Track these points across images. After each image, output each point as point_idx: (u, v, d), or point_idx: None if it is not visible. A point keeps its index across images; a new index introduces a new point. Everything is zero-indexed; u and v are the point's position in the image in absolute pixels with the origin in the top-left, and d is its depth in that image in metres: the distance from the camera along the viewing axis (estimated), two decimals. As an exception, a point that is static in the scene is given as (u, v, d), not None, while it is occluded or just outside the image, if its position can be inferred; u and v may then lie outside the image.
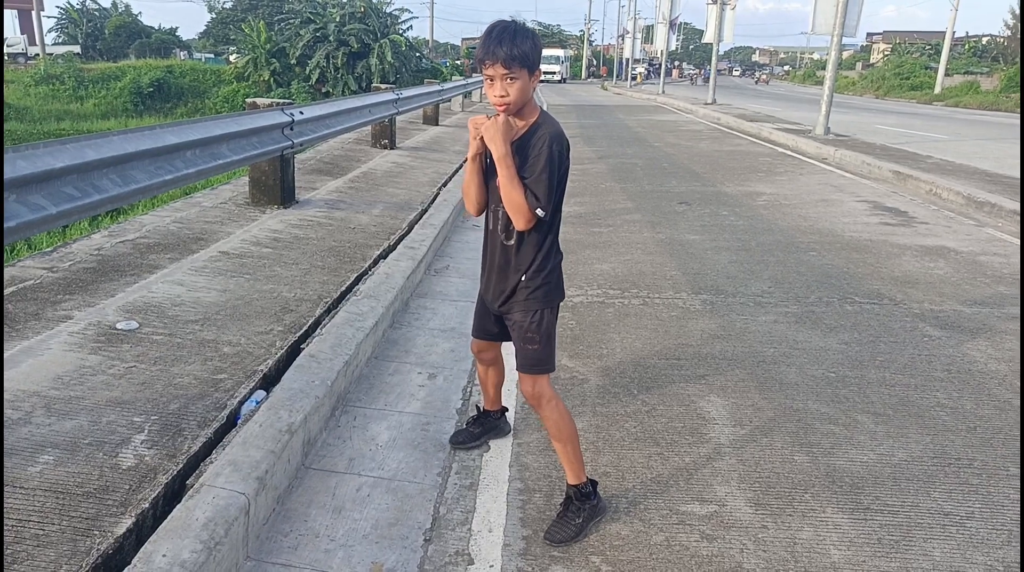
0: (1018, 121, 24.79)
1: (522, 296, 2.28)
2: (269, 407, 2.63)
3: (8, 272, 3.80)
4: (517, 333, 2.33)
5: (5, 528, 1.88)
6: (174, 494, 2.15)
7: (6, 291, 3.50)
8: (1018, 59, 41.59)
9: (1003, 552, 2.30)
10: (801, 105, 28.02)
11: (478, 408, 2.92)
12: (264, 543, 2.24)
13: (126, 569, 1.77)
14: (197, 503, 2.05)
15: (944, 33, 41.85)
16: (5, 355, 2.84)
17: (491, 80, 2.04)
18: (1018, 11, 41.01)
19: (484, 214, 2.32)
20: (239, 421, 2.57)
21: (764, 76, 66.08)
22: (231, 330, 3.30)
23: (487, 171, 2.22)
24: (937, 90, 41.41)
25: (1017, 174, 9.67)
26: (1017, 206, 7.36)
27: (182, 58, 48.71)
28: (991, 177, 9.48)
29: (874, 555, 2.29)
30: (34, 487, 2.06)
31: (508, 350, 2.53)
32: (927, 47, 55.80)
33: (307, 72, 32.53)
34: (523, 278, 2.25)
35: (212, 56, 55.17)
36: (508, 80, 2.03)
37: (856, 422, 3.13)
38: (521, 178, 2.08)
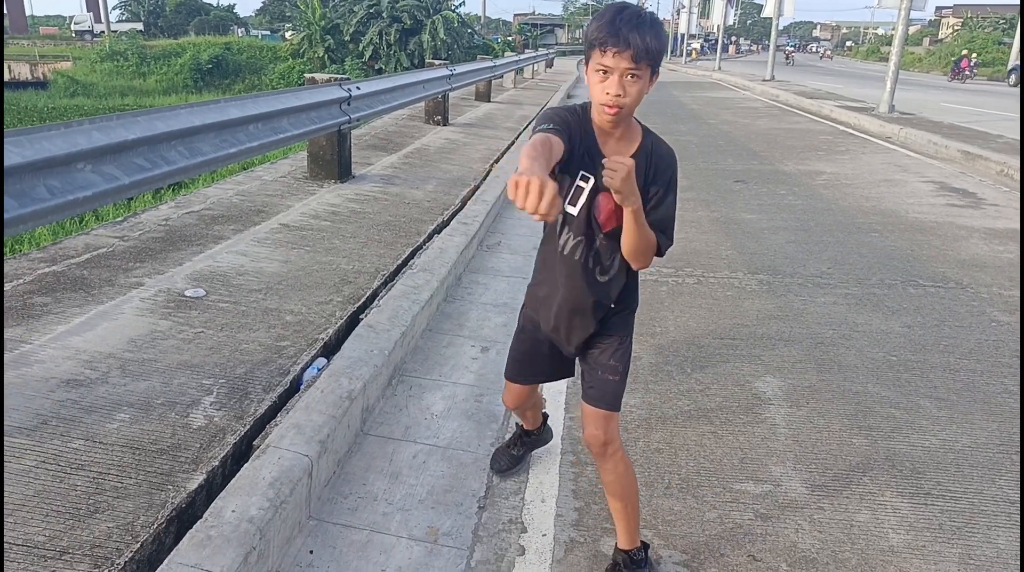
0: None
1: (614, 320, 1.94)
2: (330, 374, 2.70)
3: (82, 240, 3.97)
4: (598, 360, 1.96)
5: (90, 478, 2.00)
6: (241, 454, 2.24)
7: (81, 258, 3.67)
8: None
9: (1072, 542, 2.24)
10: (864, 82, 27.03)
11: (517, 425, 2.58)
12: (325, 504, 2.32)
13: (198, 523, 1.85)
14: (264, 463, 2.13)
15: (1019, 6, 39.69)
16: (81, 319, 2.98)
17: (604, 73, 1.59)
18: None
19: (560, 241, 1.83)
20: (302, 387, 2.65)
21: (828, 52, 63.65)
22: (293, 299, 3.39)
23: (587, 194, 1.75)
24: (1011, 66, 39.44)
25: None
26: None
27: (240, 35, 49.60)
28: (1069, 158, 9.03)
29: (934, 540, 2.25)
30: (112, 442, 2.17)
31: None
32: (1001, 21, 53.03)
33: (360, 49, 32.75)
34: (614, 305, 1.90)
35: (268, 33, 56.03)
36: (631, 77, 1.59)
37: (918, 406, 3.06)
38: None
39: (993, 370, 3.40)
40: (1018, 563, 2.15)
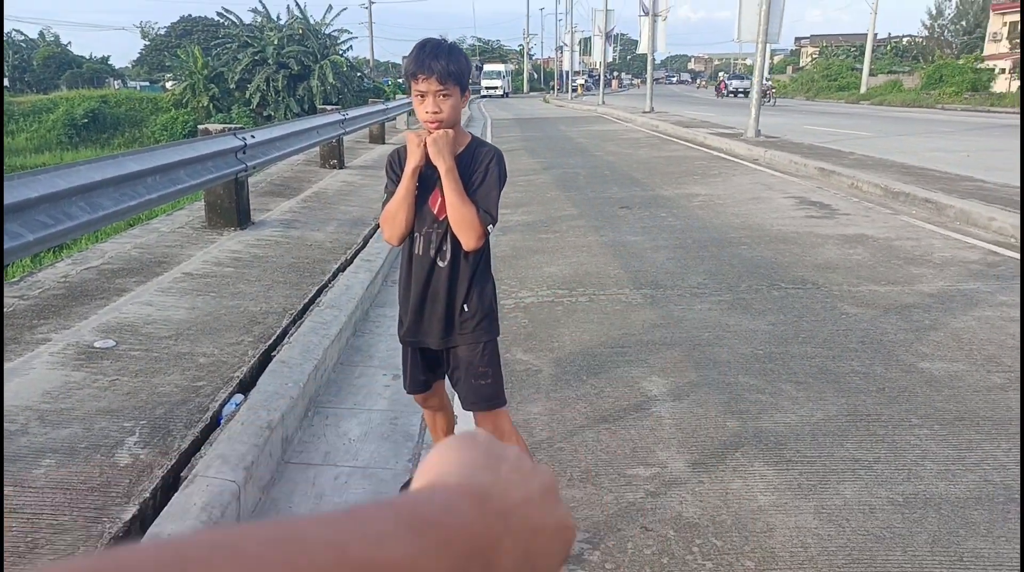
0: (930, 116, 26.24)
1: (468, 328, 2.15)
2: (248, 407, 2.85)
3: (-23, 302, 3.92)
4: (464, 370, 2.18)
5: (24, 519, 2.08)
6: (170, 485, 2.36)
7: (-20, 319, 3.64)
8: (933, 58, 43.86)
9: (903, 487, 2.67)
10: (735, 110, 29.08)
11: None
12: (254, 527, 2.47)
13: (136, 547, 1.98)
14: (193, 491, 2.27)
15: (866, 35, 43.93)
16: (-11, 377, 3.00)
17: (422, 96, 1.96)
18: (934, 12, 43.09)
19: (410, 244, 2.14)
20: (222, 421, 2.78)
21: (703, 82, 68.87)
22: (204, 343, 3.50)
23: (417, 199, 2.09)
24: (863, 90, 43.42)
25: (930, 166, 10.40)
26: (929, 194, 7.97)
27: (116, 87, 47.78)
28: (907, 169, 10.18)
29: (795, 497, 2.63)
30: (41, 485, 2.26)
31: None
32: (852, 49, 58.40)
33: (247, 96, 32.30)
34: (465, 307, 2.13)
35: (147, 84, 54.27)
36: (442, 97, 1.95)
37: (780, 390, 3.50)
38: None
39: (843, 355, 3.92)
40: (862, 511, 2.55)
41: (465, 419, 3.18)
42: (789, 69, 69.59)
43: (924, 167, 10.45)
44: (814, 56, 66.75)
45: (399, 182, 2.08)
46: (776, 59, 75.84)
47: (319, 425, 3.21)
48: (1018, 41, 35.64)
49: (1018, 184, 8.65)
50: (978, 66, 39.12)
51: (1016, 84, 34.85)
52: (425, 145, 2.01)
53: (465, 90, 2.02)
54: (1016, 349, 3.96)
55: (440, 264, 2.11)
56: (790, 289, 5.09)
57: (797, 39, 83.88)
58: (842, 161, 11.02)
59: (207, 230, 5.91)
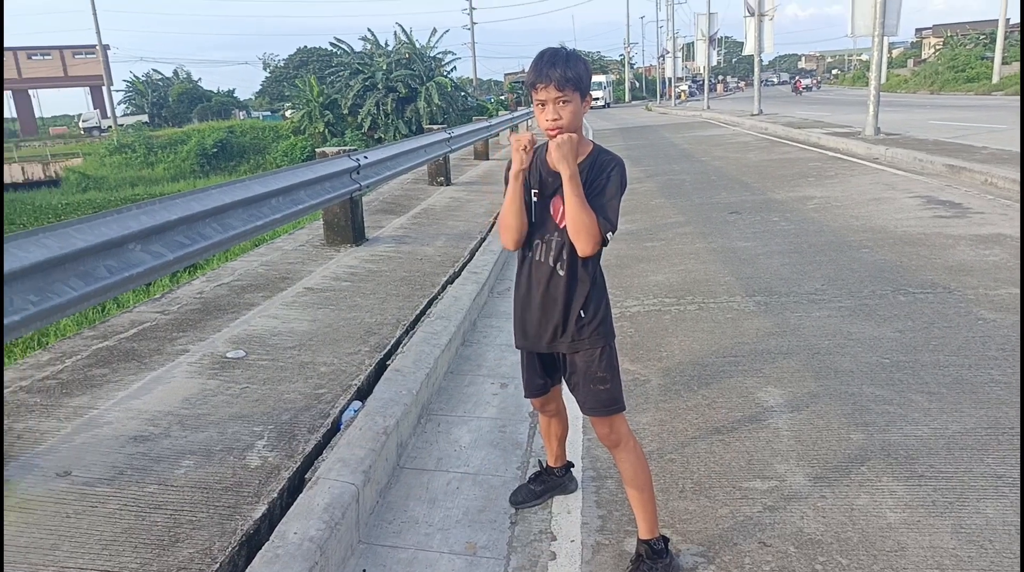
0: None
1: (586, 333, 2.16)
2: (366, 414, 2.98)
3: (126, 317, 4.31)
4: (583, 376, 2.19)
5: (167, 515, 2.26)
6: (295, 487, 2.50)
7: (129, 333, 4.00)
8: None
9: (1055, 507, 2.44)
10: (851, 108, 27.65)
11: (541, 464, 2.75)
12: (372, 529, 2.57)
13: (266, 544, 2.11)
14: (316, 492, 2.39)
15: (997, 21, 40.66)
16: (139, 384, 3.28)
17: (543, 105, 1.99)
18: None
19: (526, 246, 2.17)
20: (342, 427, 2.92)
21: (799, 81, 63.62)
22: (324, 353, 3.69)
23: (531, 203, 2.13)
24: (995, 79, 40.17)
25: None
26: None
27: (241, 118, 51.24)
28: (1051, 162, 9.32)
29: (929, 515, 2.46)
30: (182, 484, 2.45)
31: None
32: (981, 36, 54.16)
33: (359, 120, 33.86)
34: (583, 313, 2.14)
35: (269, 114, 57.86)
36: (561, 103, 1.97)
37: (910, 401, 3.28)
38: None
39: (980, 363, 3.63)
40: (1007, 532, 2.35)
41: (572, 429, 3.18)
42: (910, 62, 65.38)
43: (1071, 159, 9.53)
44: (937, 47, 62.43)
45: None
46: (895, 52, 71.54)
47: (431, 432, 3.29)
48: None
49: None
50: None
51: None
52: (539, 149, 2.06)
53: (585, 96, 2.03)
54: None
55: (560, 272, 2.12)
56: (918, 294, 4.78)
57: (918, 30, 78.83)
58: (973, 156, 10.24)
59: (326, 247, 6.23)
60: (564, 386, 2.41)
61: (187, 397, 3.14)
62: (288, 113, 44.13)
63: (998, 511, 2.45)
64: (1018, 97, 31.48)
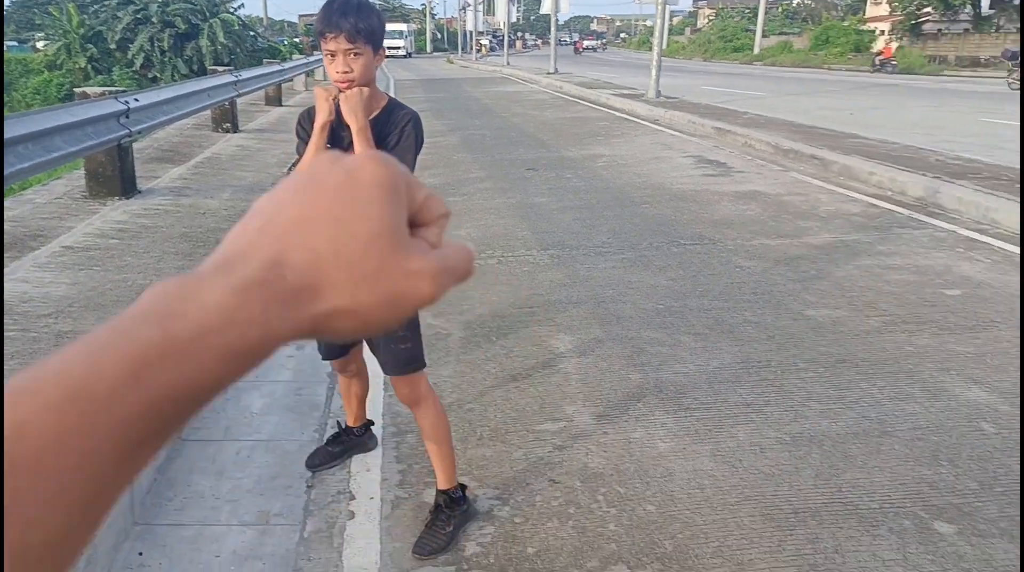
0: (818, 76, 27.51)
1: None
2: (140, 384, 2.72)
3: None
4: (384, 338, 2.16)
5: None
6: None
7: None
8: (821, 20, 45.80)
9: (790, 427, 2.85)
10: (637, 71, 29.49)
11: (340, 425, 2.69)
12: (149, 509, 2.38)
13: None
14: (81, 474, 2.15)
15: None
16: None
17: (332, 56, 1.90)
18: None
19: None
20: (111, 400, 2.64)
21: (580, 42, 69.11)
22: (88, 320, 3.30)
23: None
24: (756, 51, 44.94)
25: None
26: (815, 151, 8.39)
27: (-22, 47, 43.65)
28: (796, 127, 10.65)
29: (693, 442, 2.76)
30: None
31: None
32: (746, 11, 60.16)
33: (130, 57, 30.20)
34: None
35: (16, 44, 49.81)
36: (352, 55, 1.89)
37: (680, 342, 3.64)
38: None
39: (737, 307, 4.10)
40: (753, 452, 2.70)
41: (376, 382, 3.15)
42: (687, 31, 71.11)
43: (812, 125, 10.96)
44: (711, 18, 68.44)
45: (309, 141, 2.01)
46: (675, 20, 77.29)
47: (218, 401, 3.09)
48: (896, 4, 37.70)
49: (894, 140, 9.23)
50: (860, 28, 41.20)
51: (895, 45, 36.93)
52: (337, 102, 1.94)
53: (378, 49, 1.95)
54: (891, 295, 4.25)
55: None
56: (689, 245, 5.27)
57: (695, 0, 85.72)
58: (736, 120, 11.41)
59: (88, 200, 5.53)
60: (364, 346, 2.37)
61: (-90, 377, 2.67)
62: (40, 45, 38.25)
63: (747, 434, 2.81)
64: (774, 68, 35.48)
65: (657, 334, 3.73)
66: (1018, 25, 31.55)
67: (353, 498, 2.49)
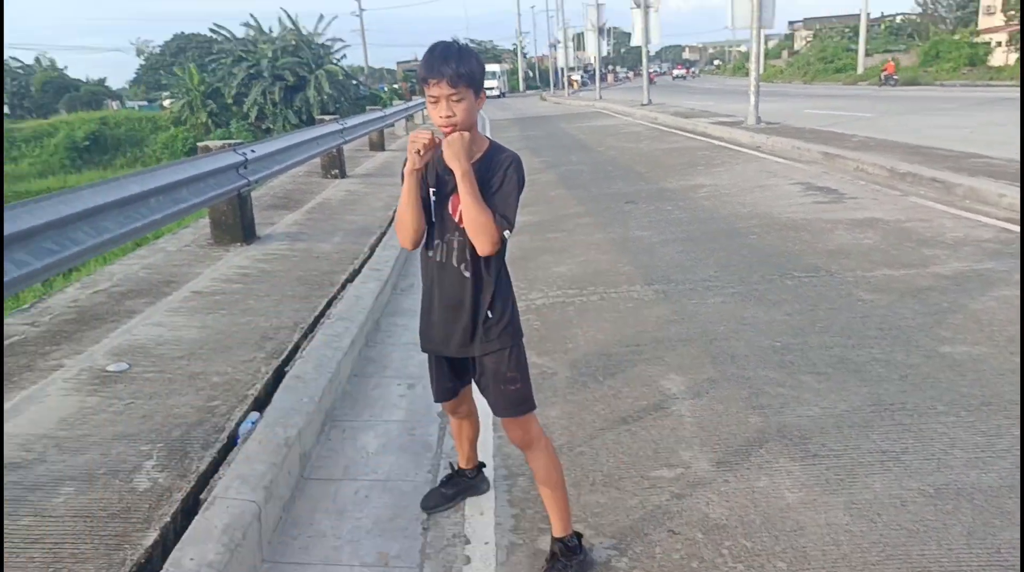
0: (929, 93, 26.08)
1: (493, 334, 2.12)
2: (265, 425, 2.82)
3: (-12, 331, 3.91)
4: (492, 377, 2.16)
5: (45, 549, 2.06)
6: (190, 509, 2.34)
7: (-9, 349, 3.63)
8: (928, 34, 43.58)
9: (933, 478, 2.62)
10: (734, 97, 28.93)
11: (452, 466, 2.70)
12: (276, 547, 2.44)
13: (160, 574, 1.96)
14: (214, 513, 2.24)
15: (859, 16, 43.66)
16: (7, 405, 2.98)
17: (435, 101, 1.94)
18: None
19: (427, 246, 2.13)
20: (239, 441, 2.76)
21: (671, 71, 69.78)
22: (217, 361, 3.48)
23: (429, 202, 2.09)
24: (860, 70, 43.19)
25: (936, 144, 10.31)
26: (936, 173, 7.90)
27: (115, 108, 47.98)
28: (912, 149, 10.09)
29: (824, 493, 2.58)
30: (61, 514, 2.23)
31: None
32: (846, 30, 58.06)
33: (245, 110, 32.39)
34: (489, 314, 2.10)
35: (146, 104, 54.45)
36: (454, 101, 1.92)
37: (801, 383, 3.45)
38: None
39: (862, 343, 3.86)
40: (893, 505, 2.50)
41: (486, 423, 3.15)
42: (784, 53, 69.25)
43: (929, 146, 10.36)
44: (808, 39, 66.44)
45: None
46: (771, 44, 75.56)
47: (337, 439, 3.17)
48: (1013, 13, 35.39)
49: (1016, 157, 8.57)
50: (974, 40, 38.87)
51: (1015, 56, 34.64)
52: (429, 147, 1.97)
53: (479, 92, 1.99)
54: (1037, 328, 3.89)
55: (465, 273, 2.07)
56: (803, 278, 5.04)
57: (790, 23, 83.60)
58: (845, 144, 10.94)
59: (213, 247, 5.90)
60: (474, 387, 2.37)
61: (64, 417, 2.88)
62: (167, 103, 41.59)
63: (884, 485, 2.60)
64: (878, 87, 33.99)
65: (776, 374, 3.56)
66: None
67: (468, 542, 2.47)
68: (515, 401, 2.17)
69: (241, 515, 2.27)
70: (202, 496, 2.38)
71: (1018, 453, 2.74)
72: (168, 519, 2.22)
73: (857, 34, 45.42)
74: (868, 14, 43.81)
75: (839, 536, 2.34)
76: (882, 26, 56.61)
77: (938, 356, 3.64)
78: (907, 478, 2.63)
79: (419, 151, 1.96)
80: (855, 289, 4.72)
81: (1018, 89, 26.21)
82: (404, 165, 2.10)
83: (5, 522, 2.21)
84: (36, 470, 2.48)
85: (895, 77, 35.93)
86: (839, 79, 44.14)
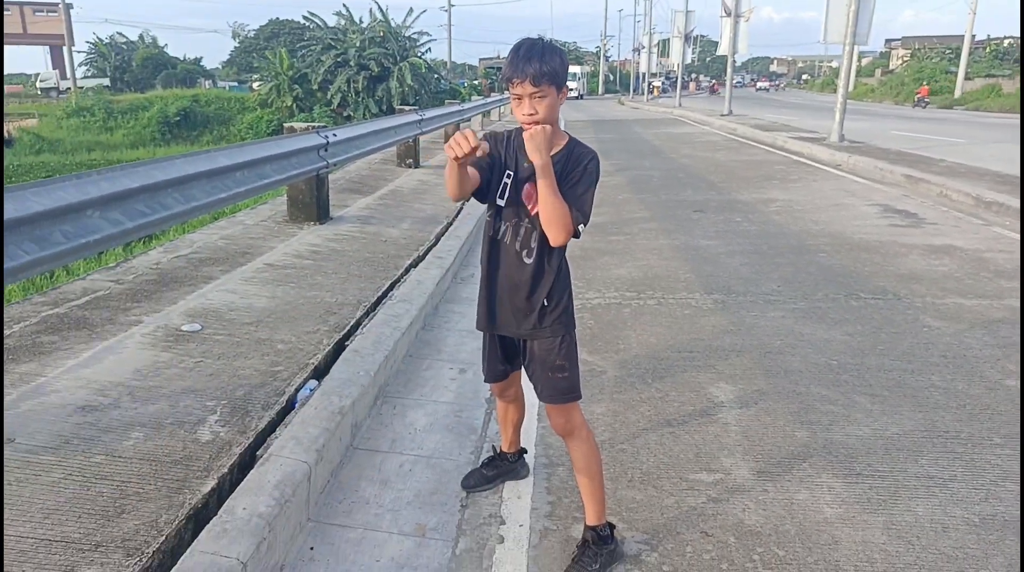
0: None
1: (547, 321, 2.19)
2: (322, 393, 2.97)
3: (79, 285, 4.21)
4: (542, 363, 2.23)
5: (114, 486, 2.24)
6: (246, 463, 2.49)
7: (81, 301, 3.91)
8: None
9: (980, 507, 2.56)
10: (818, 113, 28.12)
11: (494, 449, 2.80)
12: (322, 508, 2.57)
13: (214, 518, 2.11)
14: (268, 469, 2.39)
15: (963, 37, 41.72)
16: (89, 353, 3.23)
17: (519, 99, 2.00)
18: None
19: (492, 226, 2.21)
20: (296, 405, 2.91)
21: (755, 82, 67.85)
22: (282, 330, 3.66)
23: (510, 187, 2.15)
24: (957, 94, 41.26)
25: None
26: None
27: (207, 87, 50.00)
28: (1001, 178, 9.65)
29: (863, 512, 2.56)
30: (130, 456, 2.42)
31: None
32: (947, 51, 55.49)
33: (329, 97, 33.28)
34: (546, 302, 2.17)
35: (236, 84, 56.52)
36: (537, 98, 1.98)
37: (854, 402, 3.40)
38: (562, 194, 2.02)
39: (923, 369, 3.77)
40: (934, 529, 2.46)
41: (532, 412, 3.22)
42: (878, 72, 66.68)
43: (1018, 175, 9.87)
44: (905, 59, 63.81)
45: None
46: (864, 61, 72.93)
47: (387, 414, 3.30)
48: None
49: None
50: (1086, 69, 36.57)
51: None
52: (465, 157, 1.91)
53: (561, 89, 2.03)
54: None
55: (526, 260, 2.15)
56: (869, 299, 4.92)
57: (887, 41, 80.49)
58: (931, 168, 10.53)
59: (288, 224, 6.16)
60: (524, 373, 2.44)
61: (139, 368, 3.10)
62: (256, 85, 43.11)
63: (927, 510, 2.56)
64: (979, 112, 32.41)
65: (828, 392, 3.51)
66: None
67: (503, 523, 2.55)
68: (562, 389, 2.24)
69: (293, 473, 2.40)
70: (259, 452, 2.53)
71: (1077, 494, 2.64)
72: (226, 470, 2.38)
73: (959, 56, 43.40)
74: (974, 36, 41.81)
75: (874, 554, 2.32)
76: (987, 49, 53.88)
77: (1002, 389, 3.52)
78: (952, 505, 2.58)
79: (456, 157, 1.91)
80: (922, 315, 4.59)
81: None
82: (492, 138, 2.18)
83: (80, 457, 2.40)
84: (110, 414, 2.69)
85: (927, 99, 39.98)
86: (934, 102, 42.27)
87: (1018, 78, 39.46)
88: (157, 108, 37.17)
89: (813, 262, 5.90)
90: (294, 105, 33.82)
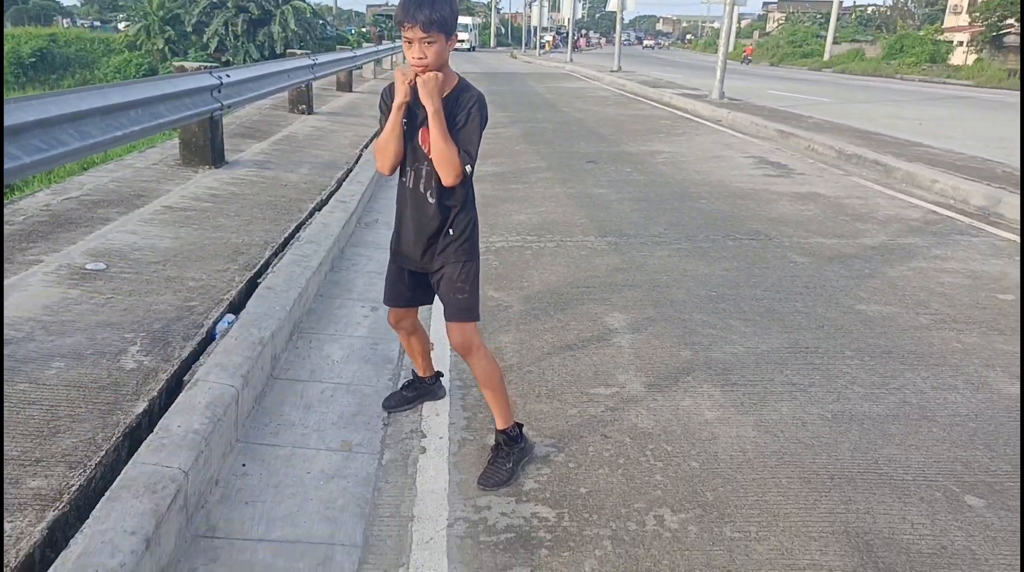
0: (889, 85, 26.86)
1: (452, 249, 2.38)
2: (240, 325, 3.05)
3: (-38, 226, 4.00)
4: (446, 285, 2.42)
5: (44, 409, 2.28)
6: (173, 389, 2.57)
7: (-32, 242, 3.74)
8: (896, 28, 44.52)
9: (832, 406, 3.02)
10: (702, 72, 29.27)
11: (414, 373, 2.96)
12: (249, 431, 2.69)
13: (151, 435, 2.20)
14: (197, 392, 2.48)
15: (832, 3, 44.30)
16: (-13, 293, 3.14)
17: (409, 43, 2.13)
18: None
19: (401, 172, 2.39)
20: (216, 337, 2.98)
21: (639, 41, 72.37)
22: (192, 269, 3.67)
23: (407, 133, 2.31)
24: (826, 57, 43.96)
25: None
26: (878, 157, 8.37)
27: (65, 26, 45.75)
28: (861, 134, 10.59)
29: (737, 413, 2.96)
30: (55, 384, 2.44)
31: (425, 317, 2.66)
32: (818, 16, 58.76)
33: (205, 40, 31.29)
34: (451, 231, 2.36)
35: (99, 24, 52.00)
36: (426, 43, 2.11)
37: (730, 326, 3.82)
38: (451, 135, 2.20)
39: (788, 297, 4.26)
40: (795, 425, 2.88)
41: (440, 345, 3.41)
42: (756, 34, 69.80)
43: (878, 132, 10.87)
44: (780, 22, 67.10)
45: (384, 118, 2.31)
46: (744, 23, 76.03)
47: (303, 348, 3.42)
48: (978, 15, 36.44)
49: (961, 151, 9.13)
50: (937, 38, 39.90)
51: (974, 57, 35.77)
52: (414, 84, 2.21)
53: (450, 36, 2.17)
54: (943, 296, 4.35)
55: (430, 199, 2.33)
56: (744, 240, 5.42)
57: (765, 4, 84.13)
58: (800, 124, 11.38)
59: (182, 167, 5.98)
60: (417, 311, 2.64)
61: (48, 305, 3.05)
62: (122, 26, 39.85)
63: (790, 409, 2.99)
64: (845, 74, 34.76)
65: (709, 318, 3.92)
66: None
67: (424, 436, 2.77)
68: (460, 307, 2.44)
69: (221, 395, 2.51)
70: (185, 378, 2.61)
71: (908, 390, 3.16)
72: (155, 394, 2.46)
73: (828, 21, 46.10)
74: (841, 2, 44.45)
75: (746, 445, 2.71)
76: (853, 15, 57.49)
77: (854, 312, 4.05)
78: (810, 405, 3.02)
79: (409, 82, 2.16)
80: (789, 252, 5.12)
81: (970, 88, 27.19)
82: (384, 98, 2.34)
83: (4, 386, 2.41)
84: (26, 346, 2.67)
85: (750, 58, 47.29)
86: (805, 64, 44.86)
87: (880, 43, 42.47)
88: (8, 47, 33.74)
89: (695, 208, 6.37)
90: (166, 48, 31.60)
